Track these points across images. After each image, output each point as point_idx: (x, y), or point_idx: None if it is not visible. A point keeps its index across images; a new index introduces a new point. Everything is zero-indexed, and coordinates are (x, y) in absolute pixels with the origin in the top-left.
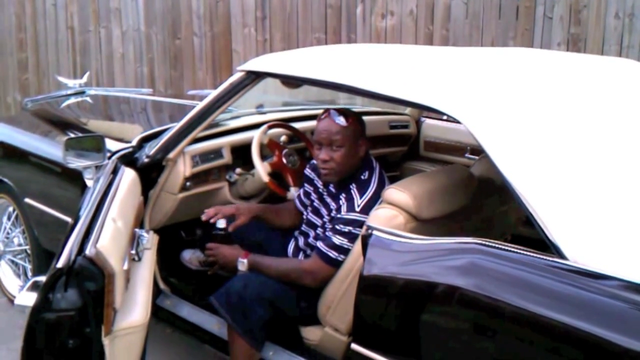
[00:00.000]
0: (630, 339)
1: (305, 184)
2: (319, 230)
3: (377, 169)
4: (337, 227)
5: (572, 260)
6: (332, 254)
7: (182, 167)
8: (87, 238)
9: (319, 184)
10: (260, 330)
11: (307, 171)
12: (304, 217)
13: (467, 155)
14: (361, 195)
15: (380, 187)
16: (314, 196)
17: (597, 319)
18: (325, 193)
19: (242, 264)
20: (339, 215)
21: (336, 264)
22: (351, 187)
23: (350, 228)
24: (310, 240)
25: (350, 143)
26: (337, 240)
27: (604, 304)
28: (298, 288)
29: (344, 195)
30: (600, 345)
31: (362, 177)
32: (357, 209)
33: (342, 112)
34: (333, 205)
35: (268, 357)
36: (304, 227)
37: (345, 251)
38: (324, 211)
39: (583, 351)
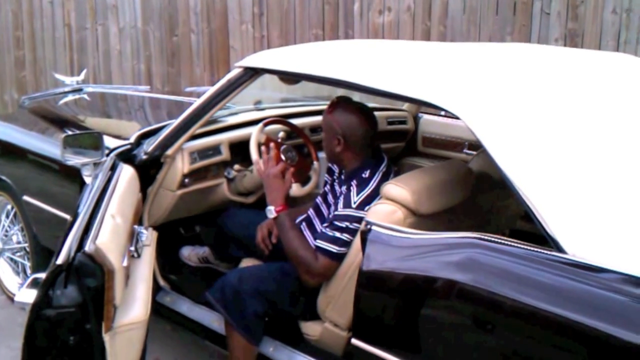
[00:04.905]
0: (629, 332)
1: (326, 175)
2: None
3: (384, 169)
4: (334, 223)
5: (571, 254)
6: (331, 247)
7: (181, 164)
8: (86, 235)
9: (337, 172)
10: (257, 324)
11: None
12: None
13: (465, 150)
14: (359, 192)
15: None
16: (328, 184)
17: (596, 313)
18: (336, 180)
19: (270, 212)
20: (335, 212)
21: (336, 257)
22: (352, 182)
23: (347, 224)
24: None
25: (326, 132)
26: (336, 234)
27: (603, 298)
28: (294, 283)
29: (345, 188)
30: (600, 339)
31: (363, 175)
32: (354, 205)
33: (338, 104)
34: (338, 192)
35: (268, 352)
36: (310, 212)
37: (344, 243)
38: (330, 199)
39: (582, 345)
